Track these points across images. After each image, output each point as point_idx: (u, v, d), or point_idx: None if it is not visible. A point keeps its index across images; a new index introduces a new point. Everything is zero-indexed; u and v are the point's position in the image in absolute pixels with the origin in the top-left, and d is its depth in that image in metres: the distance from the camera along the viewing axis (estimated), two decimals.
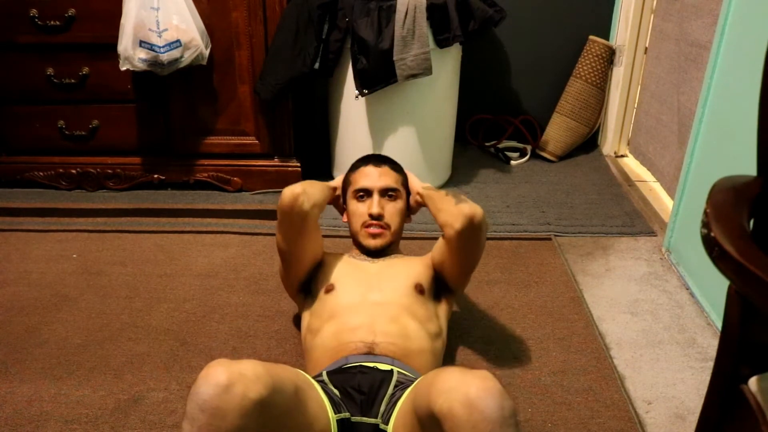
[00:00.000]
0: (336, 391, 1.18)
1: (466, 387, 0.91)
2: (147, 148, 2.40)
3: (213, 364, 0.96)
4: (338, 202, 1.63)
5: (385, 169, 1.55)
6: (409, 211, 1.60)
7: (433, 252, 1.49)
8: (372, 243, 1.51)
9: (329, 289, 1.42)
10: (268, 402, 0.96)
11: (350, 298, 1.39)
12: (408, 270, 1.46)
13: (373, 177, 1.53)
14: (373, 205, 1.51)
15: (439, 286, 1.51)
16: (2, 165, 2.43)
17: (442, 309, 1.49)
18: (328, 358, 1.31)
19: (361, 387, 1.19)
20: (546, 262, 1.99)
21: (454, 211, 1.36)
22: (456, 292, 1.53)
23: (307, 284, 1.53)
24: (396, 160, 2.00)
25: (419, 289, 1.42)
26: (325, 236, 1.60)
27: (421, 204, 1.55)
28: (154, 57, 2.04)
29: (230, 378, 0.93)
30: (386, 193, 1.53)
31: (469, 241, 1.37)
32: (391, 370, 1.23)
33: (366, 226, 1.51)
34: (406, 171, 1.62)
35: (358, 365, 1.25)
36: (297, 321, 1.71)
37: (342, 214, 1.64)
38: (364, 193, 1.53)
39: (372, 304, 1.36)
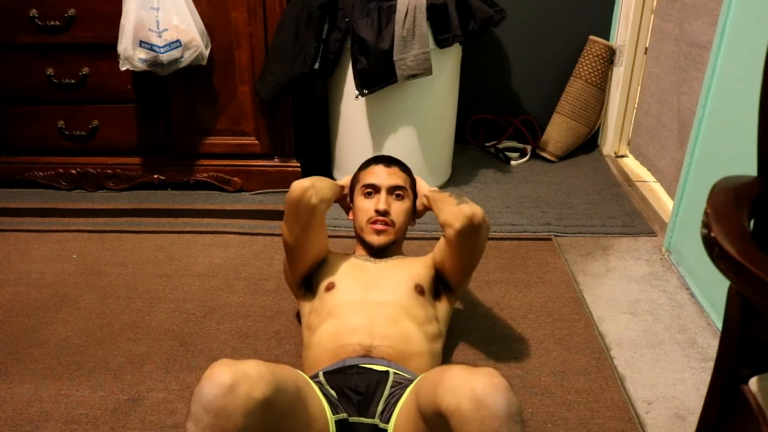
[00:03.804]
0: (333, 392, 1.19)
1: (473, 383, 0.92)
2: (147, 148, 2.40)
3: (217, 364, 0.96)
4: (345, 200, 1.64)
5: (395, 170, 1.56)
6: (414, 215, 1.61)
7: (435, 251, 1.50)
8: (376, 239, 1.51)
9: (330, 287, 1.43)
10: (271, 401, 0.96)
11: (350, 296, 1.39)
12: (408, 271, 1.47)
13: (382, 175, 1.54)
14: (380, 201, 1.51)
15: (440, 286, 1.52)
16: (2, 165, 2.43)
17: (442, 309, 1.49)
18: (326, 358, 1.31)
19: (357, 387, 1.19)
20: (546, 262, 1.99)
21: (454, 210, 1.37)
22: (456, 291, 1.53)
23: (309, 280, 1.53)
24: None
25: (419, 290, 1.43)
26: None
27: (428, 207, 1.56)
28: (154, 57, 2.04)
29: (234, 378, 0.94)
30: (394, 191, 1.53)
31: (468, 240, 1.38)
32: (387, 371, 1.23)
33: (372, 222, 1.51)
34: (415, 176, 1.63)
35: (355, 366, 1.25)
36: (297, 321, 1.71)
37: (348, 213, 1.65)
38: (372, 190, 1.54)
39: (371, 304, 1.37)
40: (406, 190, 1.56)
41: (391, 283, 1.42)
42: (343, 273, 1.46)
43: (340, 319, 1.35)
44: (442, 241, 1.46)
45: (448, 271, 1.47)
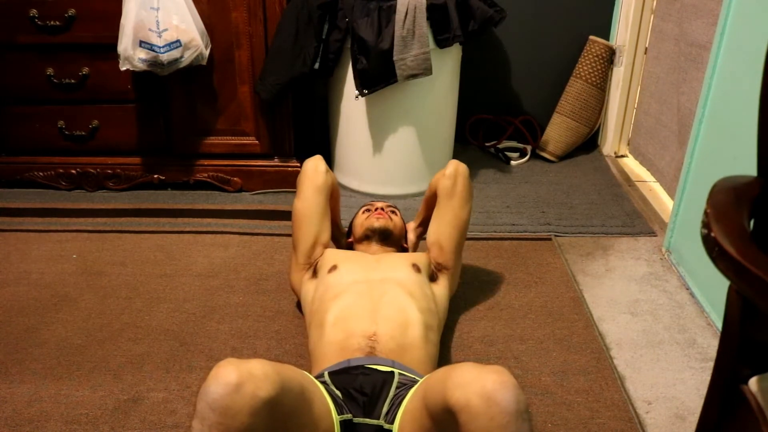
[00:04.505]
0: (338, 392, 1.19)
1: (483, 381, 0.93)
2: (147, 148, 2.40)
3: (222, 363, 0.97)
4: (342, 242, 1.83)
5: (387, 204, 1.80)
6: (407, 242, 1.80)
7: (428, 232, 1.67)
8: (377, 222, 1.67)
9: (332, 269, 1.51)
10: (276, 401, 0.97)
11: (352, 276, 1.47)
12: (405, 256, 1.61)
13: (377, 203, 1.78)
14: (377, 205, 1.73)
15: (435, 271, 1.63)
16: (2, 165, 2.43)
17: (439, 292, 1.57)
18: (333, 352, 1.33)
19: (363, 388, 1.20)
20: (546, 262, 1.99)
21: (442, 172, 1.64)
22: (452, 269, 1.64)
23: (313, 269, 1.61)
24: (396, 160, 2.00)
25: (416, 269, 1.52)
26: None
27: (419, 235, 1.81)
28: (154, 57, 2.04)
29: (240, 377, 0.94)
30: (388, 208, 1.75)
31: (457, 184, 1.60)
32: (392, 372, 1.24)
33: (372, 216, 1.69)
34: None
35: (360, 366, 1.25)
36: (297, 321, 1.71)
37: (347, 239, 1.83)
38: (370, 206, 1.74)
39: (374, 282, 1.44)
40: (398, 212, 1.77)
41: (389, 264, 1.52)
42: (345, 259, 1.56)
43: (343, 301, 1.39)
44: (434, 213, 1.65)
45: (443, 235, 1.61)
